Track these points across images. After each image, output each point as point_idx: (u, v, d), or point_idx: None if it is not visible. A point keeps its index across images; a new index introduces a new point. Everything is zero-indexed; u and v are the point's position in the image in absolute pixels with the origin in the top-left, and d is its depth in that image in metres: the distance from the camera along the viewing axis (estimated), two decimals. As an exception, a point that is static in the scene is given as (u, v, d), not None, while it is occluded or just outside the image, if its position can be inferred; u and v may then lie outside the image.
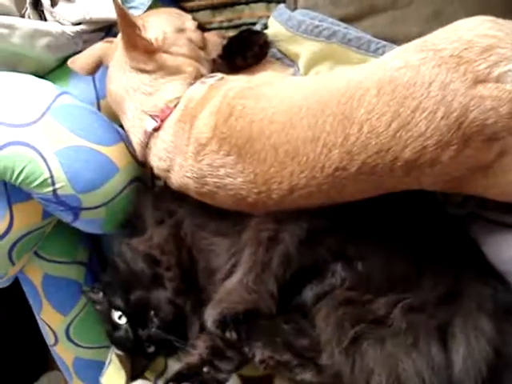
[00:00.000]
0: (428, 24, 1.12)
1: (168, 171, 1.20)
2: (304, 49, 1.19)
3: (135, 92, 1.22)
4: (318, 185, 1.00)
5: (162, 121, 1.18)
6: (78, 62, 1.34)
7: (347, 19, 1.20)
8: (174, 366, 1.40)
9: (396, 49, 1.04)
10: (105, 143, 1.31)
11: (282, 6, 1.25)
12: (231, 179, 1.08)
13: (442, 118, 0.89)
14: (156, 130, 1.19)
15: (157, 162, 1.21)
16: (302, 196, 1.03)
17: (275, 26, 1.23)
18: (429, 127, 0.90)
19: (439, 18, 1.13)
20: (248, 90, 1.11)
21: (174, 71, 1.22)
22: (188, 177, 1.15)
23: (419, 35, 1.11)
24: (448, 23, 1.07)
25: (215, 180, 1.10)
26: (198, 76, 1.23)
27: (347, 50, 1.15)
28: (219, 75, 1.23)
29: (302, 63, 1.21)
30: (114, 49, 1.27)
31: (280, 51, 1.25)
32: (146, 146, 1.21)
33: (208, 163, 1.11)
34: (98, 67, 1.33)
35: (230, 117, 1.08)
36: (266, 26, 1.29)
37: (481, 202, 1.08)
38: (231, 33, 1.41)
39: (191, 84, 1.21)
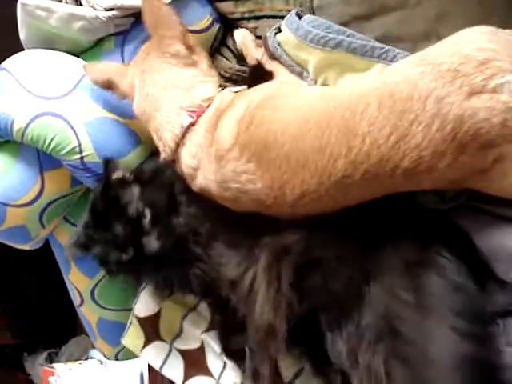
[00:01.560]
0: (433, 25, 1.18)
1: (196, 170, 1.22)
2: (312, 56, 1.23)
3: (175, 88, 1.24)
4: (326, 190, 1.05)
5: (198, 117, 1.22)
6: (91, 71, 1.38)
7: (358, 18, 1.24)
8: (190, 329, 1.51)
9: (397, 63, 1.08)
10: (129, 116, 1.40)
11: (292, 13, 1.29)
12: (252, 185, 1.12)
13: (437, 130, 0.93)
14: (192, 124, 1.22)
15: (188, 159, 1.23)
16: (312, 199, 1.08)
17: (286, 32, 1.28)
18: (425, 139, 0.94)
19: (444, 19, 1.17)
20: (267, 101, 1.15)
21: (207, 73, 1.28)
22: (211, 180, 1.19)
23: (424, 35, 1.18)
24: (452, 24, 1.11)
25: (238, 186, 1.14)
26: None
27: (352, 58, 1.18)
28: (244, 86, 1.30)
29: (311, 69, 1.25)
30: (125, 73, 1.31)
31: (290, 57, 1.28)
32: (181, 140, 1.22)
33: (231, 169, 1.14)
34: (106, 86, 1.35)
35: (251, 125, 1.12)
36: (279, 30, 1.32)
37: (472, 195, 1.12)
38: (252, 24, 1.48)
39: (219, 89, 1.27)
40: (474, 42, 0.96)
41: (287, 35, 1.28)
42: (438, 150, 0.94)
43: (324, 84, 1.24)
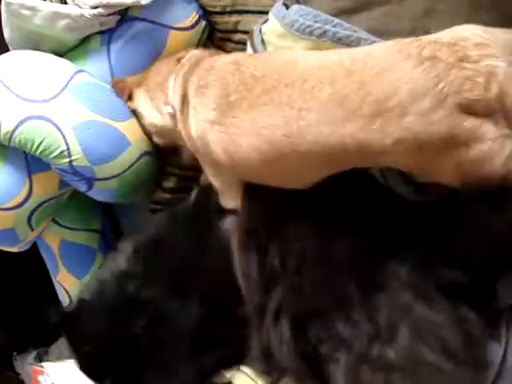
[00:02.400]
0: (420, 20, 1.17)
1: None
2: (296, 47, 1.22)
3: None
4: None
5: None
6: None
7: (344, 12, 1.23)
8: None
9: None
10: (118, 119, 1.42)
11: (280, 2, 1.28)
12: None
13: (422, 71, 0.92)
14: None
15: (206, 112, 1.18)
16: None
17: (272, 21, 1.27)
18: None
19: (431, 15, 1.16)
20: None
21: None
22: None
23: (411, 30, 1.15)
24: (439, 20, 1.12)
25: None
26: None
27: (338, 48, 1.16)
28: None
29: None
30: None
31: None
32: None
33: None
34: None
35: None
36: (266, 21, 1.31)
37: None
38: (234, 17, 1.49)
39: None
40: (469, 30, 0.96)
41: (273, 24, 1.27)
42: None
43: None
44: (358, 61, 0.98)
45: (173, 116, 1.30)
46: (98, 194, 1.47)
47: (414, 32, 1.16)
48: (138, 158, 1.46)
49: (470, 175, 0.94)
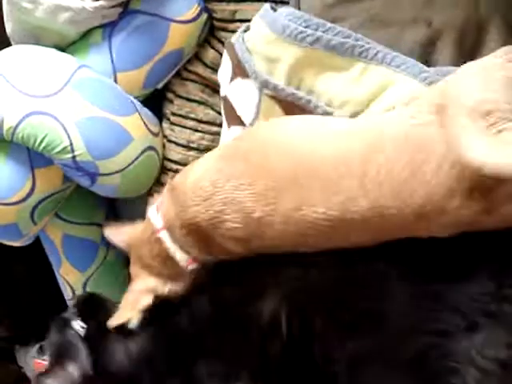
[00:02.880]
0: (421, 9, 1.18)
1: None
2: (287, 54, 1.19)
3: None
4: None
5: None
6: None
7: (346, 0, 1.23)
8: None
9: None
10: (121, 114, 1.43)
11: (266, 6, 1.25)
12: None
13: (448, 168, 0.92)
14: None
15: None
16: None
17: (261, 26, 1.23)
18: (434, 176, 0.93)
19: (432, 4, 1.17)
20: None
21: None
22: None
23: (412, 20, 1.18)
24: (440, 9, 1.16)
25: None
26: None
27: (331, 56, 1.16)
28: None
29: (282, 69, 1.20)
30: None
31: (257, 61, 1.23)
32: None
33: None
34: None
35: None
36: (246, 30, 1.29)
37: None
38: (232, 6, 1.49)
39: None
40: (473, 92, 0.95)
41: (261, 29, 1.24)
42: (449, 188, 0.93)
43: (298, 86, 1.20)
44: (383, 167, 0.97)
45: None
46: (102, 189, 1.48)
47: (415, 21, 1.18)
48: (141, 153, 1.47)
49: None
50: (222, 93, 1.34)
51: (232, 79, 1.30)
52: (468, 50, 1.13)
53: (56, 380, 1.21)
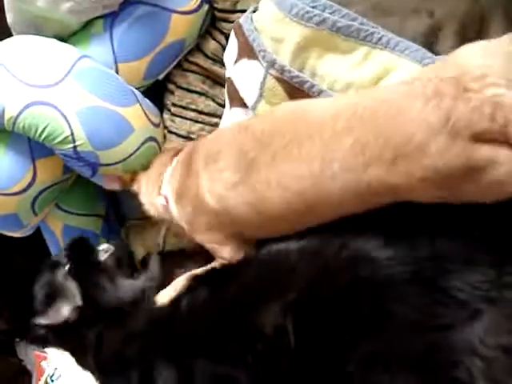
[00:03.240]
0: (423, 0, 1.19)
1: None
2: (293, 33, 1.21)
3: None
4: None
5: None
6: None
7: None
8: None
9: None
10: (122, 105, 1.43)
11: None
12: None
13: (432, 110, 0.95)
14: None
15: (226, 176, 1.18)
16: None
17: (269, 5, 1.26)
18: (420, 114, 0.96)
19: None
20: None
21: None
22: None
23: (414, 10, 1.19)
24: (441, 1, 1.17)
25: None
26: None
27: (336, 38, 1.18)
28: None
29: (288, 49, 1.22)
30: None
31: (265, 40, 1.26)
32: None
33: None
34: None
35: None
36: (254, 11, 1.32)
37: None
38: None
39: None
40: (467, 57, 1.00)
41: (269, 8, 1.26)
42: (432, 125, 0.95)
43: (302, 67, 1.23)
44: (368, 108, 1.01)
45: (165, 207, 1.31)
46: (102, 179, 1.49)
47: (417, 11, 1.19)
48: (142, 144, 1.48)
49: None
50: (227, 74, 1.37)
51: (237, 60, 1.32)
52: (469, 42, 1.14)
53: (48, 319, 1.29)
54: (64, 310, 1.29)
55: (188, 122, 1.58)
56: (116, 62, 1.51)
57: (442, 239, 1.04)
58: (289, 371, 1.11)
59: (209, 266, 1.28)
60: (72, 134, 1.37)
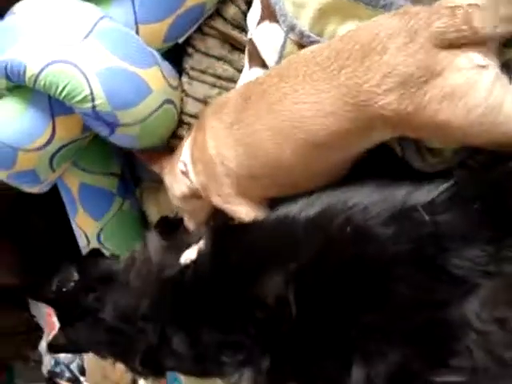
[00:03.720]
0: None
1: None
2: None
3: None
4: None
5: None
6: None
7: None
8: None
9: None
10: (141, 66, 1.46)
11: None
12: None
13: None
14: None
15: (225, 119, 1.27)
16: None
17: None
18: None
19: None
20: None
21: None
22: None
23: None
24: None
25: None
26: None
27: (356, 6, 1.19)
28: None
29: (307, 14, 1.24)
30: None
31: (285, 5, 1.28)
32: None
33: None
34: None
35: None
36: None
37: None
38: None
39: None
40: None
41: None
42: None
43: (321, 33, 1.25)
44: (350, 32, 1.10)
45: (185, 174, 1.35)
46: (120, 139, 1.52)
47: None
48: (160, 106, 1.50)
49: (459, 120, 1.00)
50: (249, 35, 1.40)
51: (259, 22, 1.35)
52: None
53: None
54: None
55: (206, 86, 1.60)
56: (137, 23, 1.53)
57: (442, 215, 1.07)
58: (289, 340, 1.16)
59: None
60: (91, 93, 1.40)
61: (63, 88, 1.40)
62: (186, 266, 1.32)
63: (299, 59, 1.15)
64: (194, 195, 1.37)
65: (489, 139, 1.02)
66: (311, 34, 1.24)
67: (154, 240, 1.48)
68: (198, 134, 1.31)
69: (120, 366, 1.99)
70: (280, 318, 1.15)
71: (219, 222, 1.32)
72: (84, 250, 1.80)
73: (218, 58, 1.60)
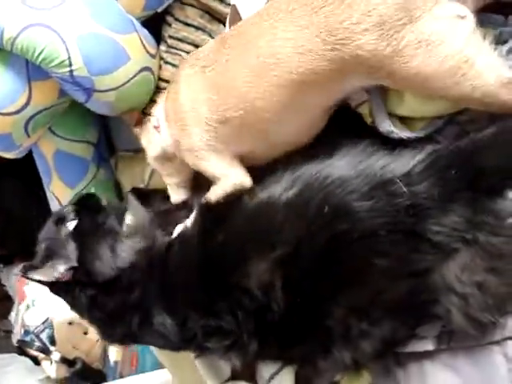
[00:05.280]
0: None
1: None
2: None
3: None
4: None
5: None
6: None
7: None
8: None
9: None
10: (120, 32, 1.48)
11: None
12: None
13: None
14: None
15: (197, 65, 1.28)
16: None
17: None
18: None
19: None
20: None
21: None
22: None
23: None
24: None
25: None
26: None
27: None
28: None
29: None
30: None
31: None
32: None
33: None
34: None
35: None
36: None
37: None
38: None
39: None
40: None
41: None
42: None
43: None
44: None
45: (157, 129, 1.37)
46: (96, 105, 1.54)
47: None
48: (137, 73, 1.53)
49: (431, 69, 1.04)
50: (231, 1, 1.44)
51: None
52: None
53: (42, 275, 1.31)
54: (59, 268, 1.32)
55: (184, 54, 1.62)
56: (115, -10, 1.53)
57: (419, 186, 1.10)
58: (276, 325, 1.19)
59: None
60: (69, 57, 1.41)
61: (40, 52, 1.41)
62: (171, 245, 1.32)
63: None
64: (168, 157, 1.39)
65: (460, 94, 1.06)
66: None
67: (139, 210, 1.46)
68: (172, 87, 1.32)
69: (91, 336, 2.04)
70: (267, 305, 1.17)
71: (206, 201, 1.31)
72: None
73: (197, 28, 1.62)
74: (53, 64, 1.43)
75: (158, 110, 1.37)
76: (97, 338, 2.25)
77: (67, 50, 1.42)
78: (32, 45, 1.41)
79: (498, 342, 1.12)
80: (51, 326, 2.29)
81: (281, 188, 1.20)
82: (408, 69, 1.04)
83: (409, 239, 1.10)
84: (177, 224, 1.33)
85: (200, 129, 1.25)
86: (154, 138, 1.39)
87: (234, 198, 1.25)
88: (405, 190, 1.09)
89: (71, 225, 1.38)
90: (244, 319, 1.20)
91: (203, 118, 1.24)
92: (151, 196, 1.58)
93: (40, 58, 1.42)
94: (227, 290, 1.21)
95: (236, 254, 1.20)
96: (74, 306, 1.38)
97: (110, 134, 1.88)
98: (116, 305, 1.32)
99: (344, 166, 1.17)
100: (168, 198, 1.49)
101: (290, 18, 1.10)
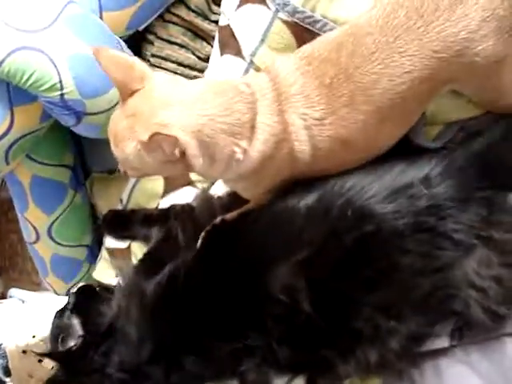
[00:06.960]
0: None
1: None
2: None
3: None
4: None
5: None
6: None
7: None
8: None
9: None
10: (111, 52, 1.48)
11: None
12: None
13: None
14: None
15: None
16: None
17: None
18: None
19: None
20: None
21: None
22: None
23: None
24: None
25: None
26: None
27: None
28: None
29: None
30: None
31: None
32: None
33: None
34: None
35: None
36: None
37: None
38: None
39: None
40: None
41: None
42: None
43: (313, 9, 1.27)
44: None
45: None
46: (85, 128, 1.52)
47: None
48: (127, 94, 1.52)
49: None
50: (223, 22, 1.42)
51: (239, 6, 1.37)
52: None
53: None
54: (70, 343, 1.36)
55: (167, 72, 1.63)
56: (101, 11, 1.53)
57: (438, 187, 1.16)
58: (304, 329, 1.21)
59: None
60: (60, 81, 1.39)
61: (29, 76, 1.39)
62: (172, 279, 1.29)
63: (362, 33, 1.09)
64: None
65: None
66: (305, 9, 1.28)
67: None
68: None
69: (46, 364, 2.01)
70: (294, 309, 1.18)
71: (212, 226, 1.30)
72: (31, 246, 1.79)
73: (180, 46, 1.64)
74: (43, 88, 1.40)
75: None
76: (52, 365, 2.21)
77: (58, 73, 1.40)
78: (20, 69, 1.38)
79: (510, 334, 1.20)
80: (5, 357, 2.22)
81: (297, 196, 1.21)
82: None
83: (432, 238, 1.15)
84: (165, 261, 1.33)
85: None
86: None
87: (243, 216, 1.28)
88: (425, 191, 1.15)
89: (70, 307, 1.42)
90: (273, 326, 1.21)
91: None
92: (131, 218, 1.58)
93: (29, 82, 1.40)
94: (251, 303, 1.22)
95: (258, 264, 1.22)
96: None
97: (83, 156, 1.84)
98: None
99: (361, 173, 1.21)
100: (148, 219, 1.50)
101: (396, 48, 1.06)
